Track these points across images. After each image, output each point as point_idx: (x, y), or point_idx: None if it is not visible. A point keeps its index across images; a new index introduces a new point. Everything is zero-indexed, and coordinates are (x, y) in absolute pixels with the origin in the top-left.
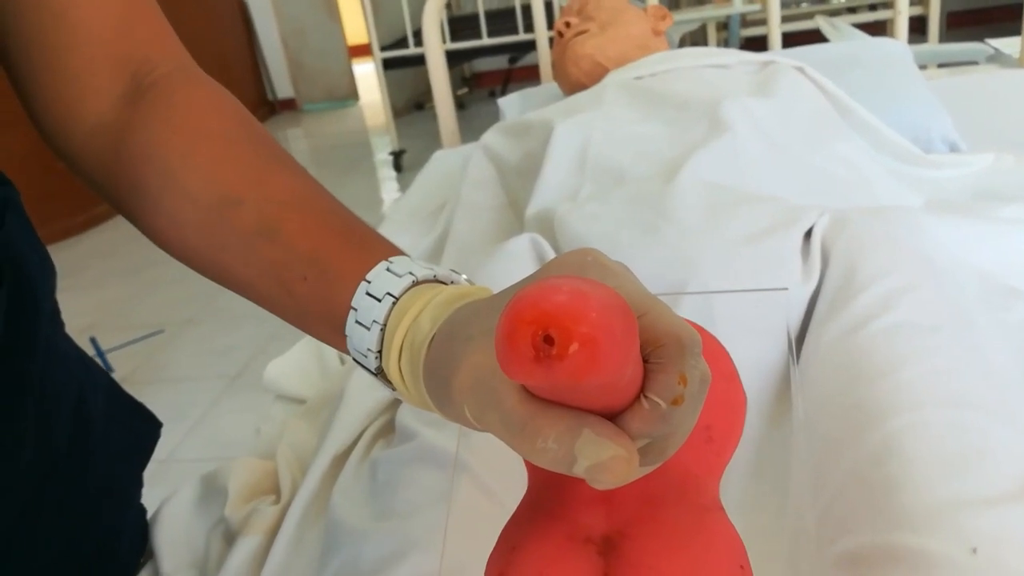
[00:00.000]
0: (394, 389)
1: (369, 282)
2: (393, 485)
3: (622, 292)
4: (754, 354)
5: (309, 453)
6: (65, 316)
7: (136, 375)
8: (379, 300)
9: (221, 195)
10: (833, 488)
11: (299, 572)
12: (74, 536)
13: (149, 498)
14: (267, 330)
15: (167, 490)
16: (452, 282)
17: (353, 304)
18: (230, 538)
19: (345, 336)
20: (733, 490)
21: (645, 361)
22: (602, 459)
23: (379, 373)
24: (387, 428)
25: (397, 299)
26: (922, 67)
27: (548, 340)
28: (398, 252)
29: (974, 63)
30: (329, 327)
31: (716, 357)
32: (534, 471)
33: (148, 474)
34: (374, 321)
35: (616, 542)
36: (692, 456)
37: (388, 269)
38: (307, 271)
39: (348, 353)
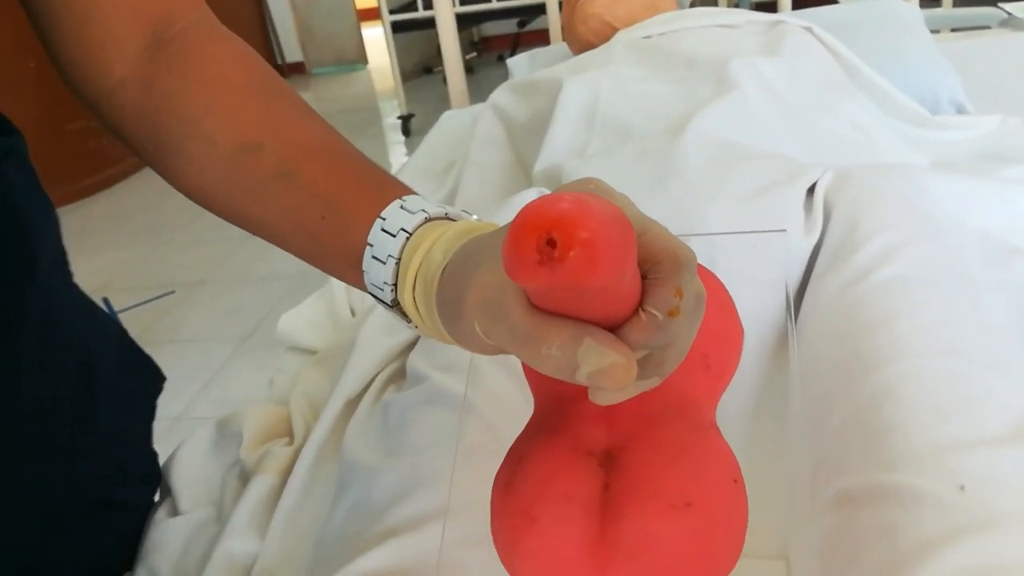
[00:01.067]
0: (409, 321)
1: (384, 219)
2: (404, 425)
3: (625, 213)
4: (755, 303)
5: (322, 399)
6: (77, 277)
7: (148, 335)
8: (393, 236)
9: (241, 141)
10: (829, 434)
11: (312, 510)
12: (83, 480)
13: (162, 454)
14: (278, 291)
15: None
16: (462, 220)
17: (369, 240)
18: (245, 478)
19: (362, 272)
20: (734, 433)
21: (643, 278)
22: (603, 365)
23: (395, 306)
24: (399, 374)
25: (411, 234)
26: (935, 32)
27: (551, 244)
28: (412, 192)
29: (987, 27)
30: (346, 263)
31: (714, 290)
32: (539, 391)
33: (160, 431)
34: (389, 255)
35: (616, 455)
36: (689, 381)
37: (402, 207)
38: (324, 211)
39: (366, 289)
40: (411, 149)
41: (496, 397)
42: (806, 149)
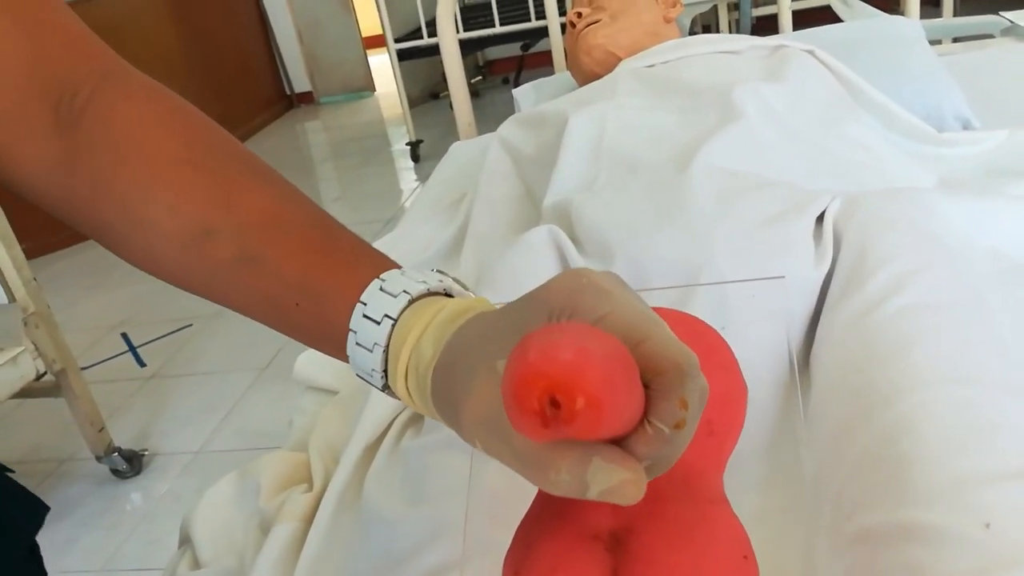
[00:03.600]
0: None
1: (365, 304)
2: (423, 472)
3: (619, 319)
4: (767, 336)
5: (341, 443)
6: (96, 314)
7: (167, 368)
8: (377, 323)
9: (191, 228)
10: (847, 467)
11: (335, 558)
12: None
13: (182, 488)
14: None
15: (200, 480)
16: (446, 290)
17: (351, 327)
18: (265, 527)
19: (347, 355)
20: (749, 469)
21: (646, 387)
22: (613, 484)
23: (387, 389)
24: (416, 416)
25: (396, 320)
26: (936, 42)
27: (555, 403)
28: (388, 264)
29: (989, 36)
30: (331, 346)
31: (714, 348)
32: None
33: (183, 465)
34: (375, 344)
35: (623, 538)
36: (694, 451)
37: (382, 288)
38: (298, 297)
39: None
40: (420, 174)
41: None
42: (813, 172)
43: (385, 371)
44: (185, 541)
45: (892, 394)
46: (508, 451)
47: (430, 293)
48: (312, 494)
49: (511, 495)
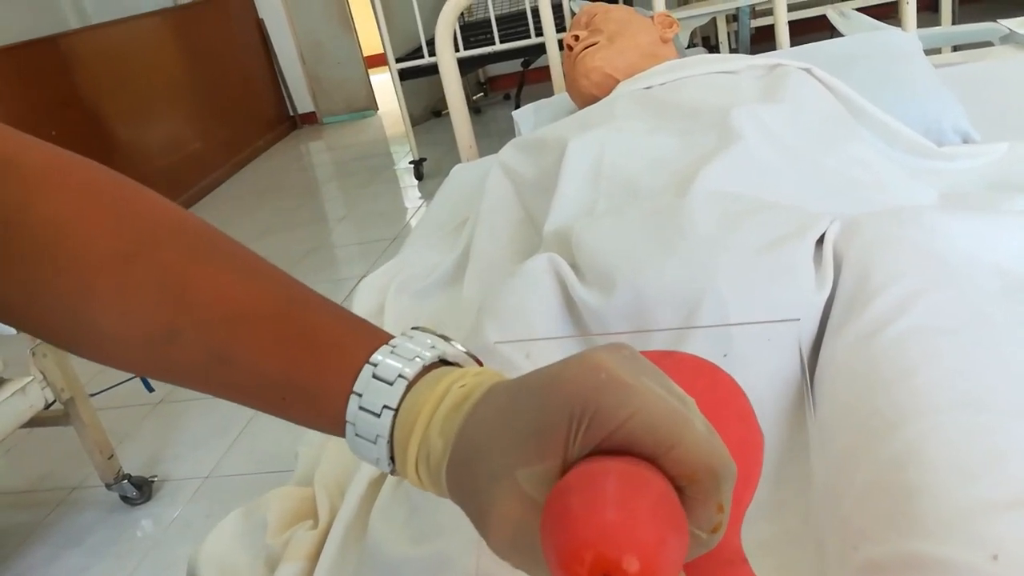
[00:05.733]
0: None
1: (360, 395)
2: (428, 508)
3: (646, 421)
4: (773, 364)
5: (346, 477)
6: None
7: (176, 393)
8: (377, 415)
9: (148, 332)
10: (853, 496)
11: None
12: None
13: (193, 514)
14: None
15: (210, 505)
16: (442, 357)
17: (348, 419)
18: (272, 565)
19: (349, 447)
20: (757, 496)
21: (679, 490)
22: None
23: (397, 474)
24: None
25: (396, 410)
26: (935, 50)
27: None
28: (374, 337)
29: (988, 44)
30: (328, 428)
31: (731, 396)
32: None
33: (192, 490)
34: (378, 436)
35: None
36: None
37: (375, 376)
38: (284, 393)
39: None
40: (425, 192)
41: None
42: (813, 192)
43: (392, 458)
44: None
45: (897, 420)
46: (540, 569)
47: (426, 369)
48: (318, 531)
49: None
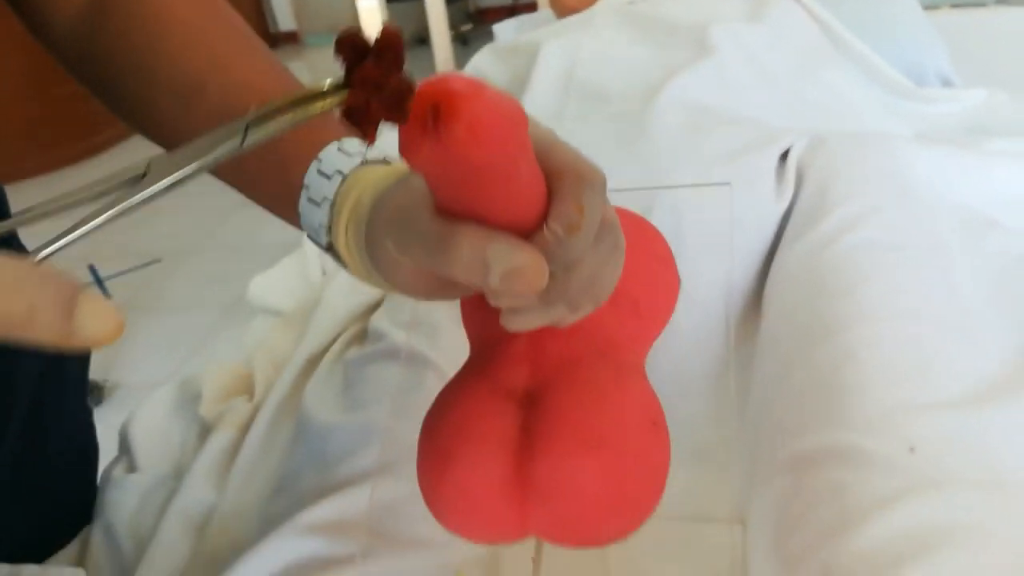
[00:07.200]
0: (343, 263)
1: (320, 160)
2: (359, 382)
3: (534, 131)
4: (717, 271)
5: (284, 357)
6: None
7: (134, 302)
8: (328, 178)
9: (186, 82)
10: (788, 397)
11: (270, 465)
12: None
13: None
14: (265, 260)
15: None
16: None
17: (305, 181)
18: (204, 436)
19: (299, 214)
20: (696, 400)
21: (550, 195)
22: (513, 264)
23: (329, 248)
24: (361, 335)
25: (346, 176)
26: (934, 7)
27: (436, 117)
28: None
29: (983, 4)
30: (283, 203)
31: (651, 240)
32: (473, 336)
33: (144, 396)
34: (324, 198)
35: (536, 396)
36: (617, 325)
37: (339, 149)
38: (262, 151)
39: (302, 229)
40: None
41: (454, 353)
42: (785, 116)
43: (330, 228)
44: (122, 449)
45: (837, 327)
46: (414, 236)
47: (385, 161)
48: (253, 404)
49: None
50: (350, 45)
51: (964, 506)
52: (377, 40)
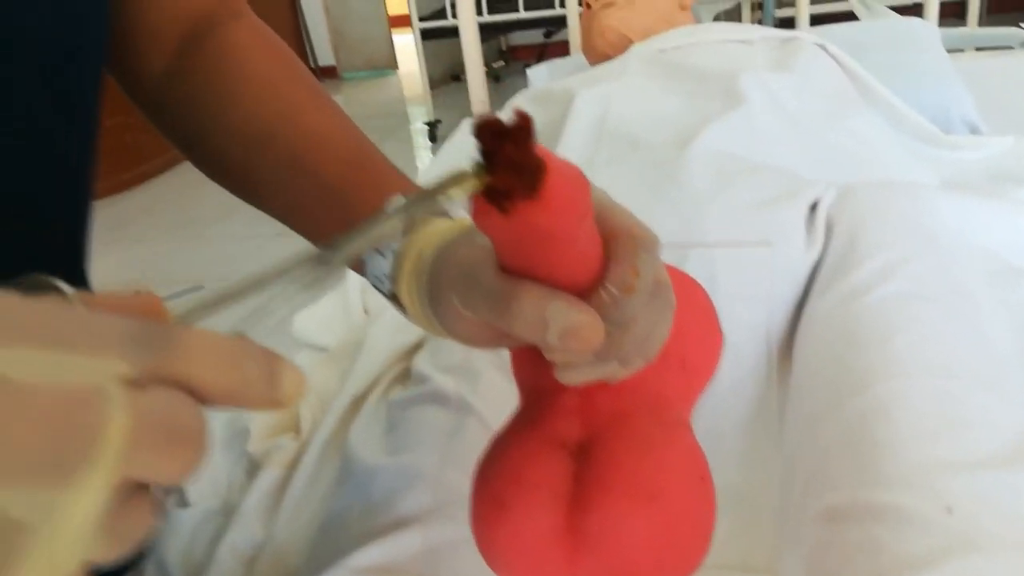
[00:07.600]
0: (406, 312)
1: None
2: (405, 424)
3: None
4: (752, 318)
5: (330, 395)
6: (111, 268)
7: None
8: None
9: (257, 131)
10: (819, 449)
11: (316, 503)
12: None
13: None
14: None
15: None
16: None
17: None
18: (251, 472)
19: (364, 259)
20: (730, 445)
21: (606, 255)
22: (571, 323)
23: (392, 297)
24: (404, 375)
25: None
26: (958, 51)
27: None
28: (418, 187)
29: (1009, 48)
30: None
31: (696, 296)
32: (524, 386)
33: None
34: (390, 249)
35: (588, 448)
36: (664, 381)
37: (406, 200)
38: (329, 200)
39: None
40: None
41: (495, 399)
42: (813, 164)
43: (394, 277)
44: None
45: (868, 381)
46: (478, 293)
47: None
48: (299, 442)
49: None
50: (489, 130)
51: (1005, 568)
52: (513, 124)
